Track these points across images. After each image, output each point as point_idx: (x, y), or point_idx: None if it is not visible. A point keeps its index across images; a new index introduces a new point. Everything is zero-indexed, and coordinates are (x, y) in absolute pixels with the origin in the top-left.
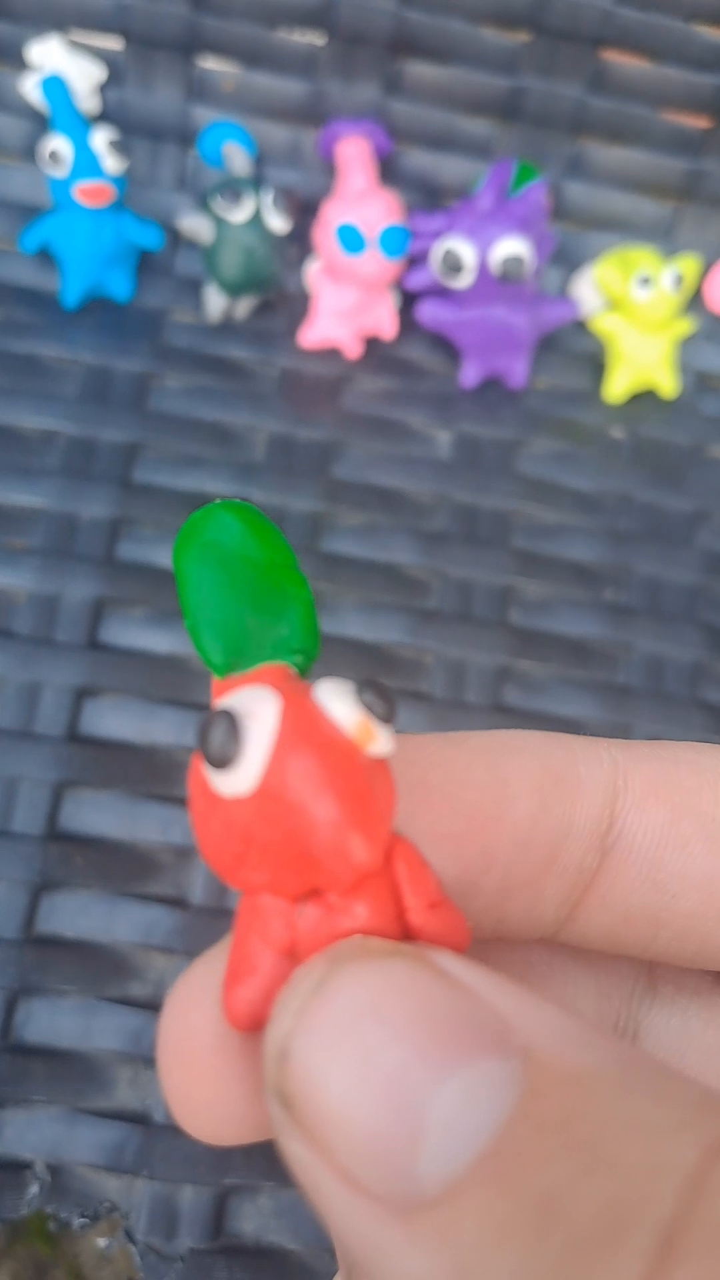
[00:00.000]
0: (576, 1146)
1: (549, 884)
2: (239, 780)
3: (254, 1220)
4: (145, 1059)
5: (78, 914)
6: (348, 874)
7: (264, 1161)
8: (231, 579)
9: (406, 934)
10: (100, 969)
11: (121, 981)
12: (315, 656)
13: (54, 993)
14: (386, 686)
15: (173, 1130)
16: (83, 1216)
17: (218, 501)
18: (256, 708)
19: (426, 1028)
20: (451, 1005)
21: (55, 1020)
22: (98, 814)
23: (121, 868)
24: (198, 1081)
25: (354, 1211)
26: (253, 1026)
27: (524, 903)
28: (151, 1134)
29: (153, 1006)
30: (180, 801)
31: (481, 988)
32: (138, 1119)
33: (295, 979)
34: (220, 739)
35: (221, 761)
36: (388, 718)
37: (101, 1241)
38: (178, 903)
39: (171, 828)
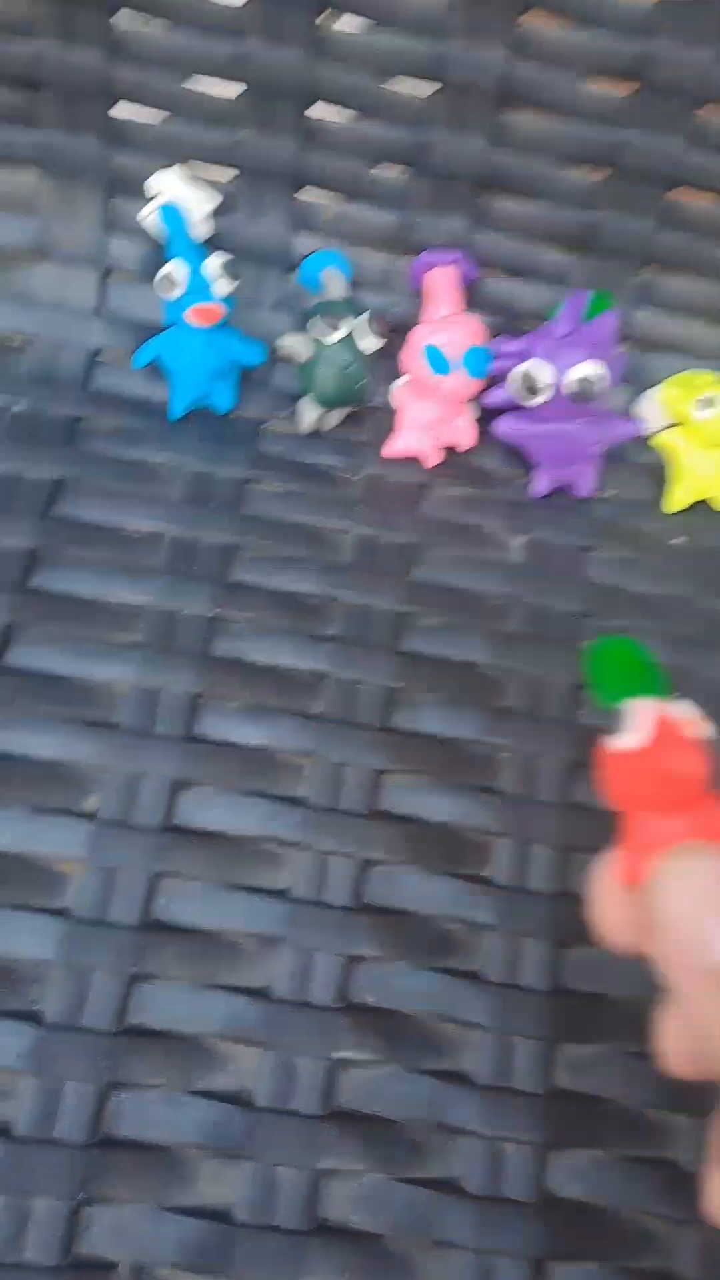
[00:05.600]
0: None
1: None
2: (633, 739)
3: None
4: (229, 1153)
5: (167, 1004)
6: (698, 792)
7: (341, 1255)
8: (620, 669)
9: None
10: (186, 1060)
11: (206, 1073)
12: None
13: (142, 1086)
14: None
15: (254, 1229)
16: None
17: (611, 636)
18: (639, 704)
19: None
20: None
21: (143, 1113)
22: (189, 903)
23: (209, 957)
24: (607, 919)
25: (698, 992)
26: (636, 879)
27: None
28: (232, 1233)
29: (236, 1100)
30: (267, 892)
31: None
32: (218, 1216)
33: (669, 855)
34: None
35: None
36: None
37: None
38: (260, 994)
39: (256, 917)
